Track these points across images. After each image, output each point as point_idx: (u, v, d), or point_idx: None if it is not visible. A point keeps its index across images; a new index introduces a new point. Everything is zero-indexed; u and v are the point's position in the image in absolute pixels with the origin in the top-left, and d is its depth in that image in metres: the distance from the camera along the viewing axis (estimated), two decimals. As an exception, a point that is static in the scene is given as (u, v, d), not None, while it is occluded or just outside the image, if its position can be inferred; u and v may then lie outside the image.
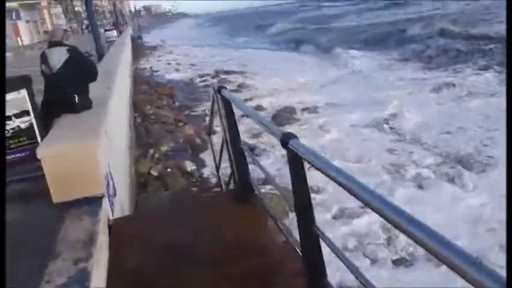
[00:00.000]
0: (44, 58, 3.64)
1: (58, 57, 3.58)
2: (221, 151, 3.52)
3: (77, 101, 3.68)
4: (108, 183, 3.12)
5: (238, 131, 2.84)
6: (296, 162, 1.53)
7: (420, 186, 6.49)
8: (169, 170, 7.68)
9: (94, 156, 2.83)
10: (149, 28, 75.77)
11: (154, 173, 7.52)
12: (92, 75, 3.82)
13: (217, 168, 3.84)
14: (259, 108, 12.34)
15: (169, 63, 25.29)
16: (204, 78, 19.00)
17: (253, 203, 2.79)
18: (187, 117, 12.16)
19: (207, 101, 14.84)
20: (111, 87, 5.92)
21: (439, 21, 26.13)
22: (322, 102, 12.55)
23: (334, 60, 21.10)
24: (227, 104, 2.74)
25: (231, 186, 3.49)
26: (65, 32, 3.81)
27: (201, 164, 8.22)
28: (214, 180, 7.06)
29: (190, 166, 7.95)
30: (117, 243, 2.51)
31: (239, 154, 2.83)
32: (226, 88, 2.74)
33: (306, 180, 1.57)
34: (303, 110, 11.90)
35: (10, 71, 4.00)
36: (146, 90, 15.66)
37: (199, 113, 12.94)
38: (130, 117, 9.79)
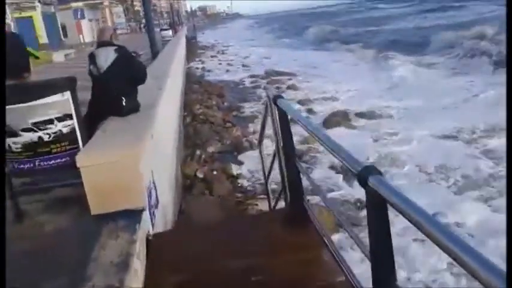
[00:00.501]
0: (92, 58, 3.52)
1: (105, 57, 3.44)
2: (272, 163, 3.21)
3: (124, 103, 3.53)
4: (151, 194, 2.92)
5: (293, 145, 2.52)
6: (377, 205, 1.18)
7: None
8: (215, 172, 7.50)
9: (136, 167, 2.62)
10: (203, 28, 77.43)
11: (200, 175, 7.38)
12: (140, 77, 3.66)
13: (266, 180, 3.53)
14: (309, 112, 11.94)
15: (220, 63, 25.45)
16: (254, 79, 18.86)
17: (306, 228, 2.44)
18: (235, 119, 11.98)
19: (256, 101, 14.67)
20: (162, 87, 5.83)
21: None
22: (383, 109, 11.77)
23: (389, 63, 20.04)
24: (283, 116, 2.42)
25: (281, 199, 3.19)
26: (114, 32, 3.67)
27: (246, 168, 7.98)
28: (259, 187, 6.80)
29: (236, 170, 7.73)
30: (155, 265, 2.28)
31: (293, 171, 2.50)
32: (283, 97, 2.42)
33: (388, 227, 1.21)
34: (358, 115, 11.20)
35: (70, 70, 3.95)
36: (197, 89, 15.77)
37: (247, 114, 12.73)
38: (180, 117, 9.78)
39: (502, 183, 6.32)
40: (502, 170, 6.81)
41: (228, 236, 2.59)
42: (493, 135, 8.51)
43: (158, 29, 23.09)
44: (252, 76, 19.64)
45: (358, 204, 5.78)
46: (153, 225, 2.79)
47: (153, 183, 3.17)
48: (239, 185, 7.22)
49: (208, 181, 7.10)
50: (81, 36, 30.83)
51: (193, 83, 17.27)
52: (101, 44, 3.59)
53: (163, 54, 12.01)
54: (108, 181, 2.61)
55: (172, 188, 5.69)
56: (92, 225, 2.43)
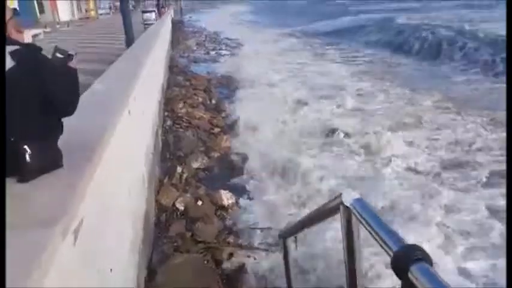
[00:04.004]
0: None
1: (-12, 68, 1.71)
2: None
3: (27, 157, 1.81)
4: None
5: None
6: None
7: None
8: (200, 203, 5.83)
9: None
10: (191, 12, 74.04)
11: (181, 206, 5.71)
12: (64, 104, 1.93)
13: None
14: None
15: (207, 53, 23.48)
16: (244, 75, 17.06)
17: None
18: (225, 121, 10.18)
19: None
20: (127, 104, 4.07)
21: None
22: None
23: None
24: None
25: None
26: (12, 17, 1.88)
27: (239, 195, 6.32)
28: (257, 236, 5.16)
29: (227, 198, 6.05)
30: None
31: None
32: (430, 261, 0.78)
33: None
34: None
35: None
36: (181, 82, 13.89)
37: (237, 117, 10.93)
38: (159, 123, 8.00)
39: None
40: None
41: None
42: None
43: (140, 11, 20.93)
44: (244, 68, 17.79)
45: None
46: None
47: None
48: (230, 221, 5.56)
49: (190, 216, 5.44)
50: (55, 13, 27.84)
51: (177, 73, 15.36)
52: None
53: (139, 41, 10.14)
54: None
55: (140, 236, 4.05)
56: None
